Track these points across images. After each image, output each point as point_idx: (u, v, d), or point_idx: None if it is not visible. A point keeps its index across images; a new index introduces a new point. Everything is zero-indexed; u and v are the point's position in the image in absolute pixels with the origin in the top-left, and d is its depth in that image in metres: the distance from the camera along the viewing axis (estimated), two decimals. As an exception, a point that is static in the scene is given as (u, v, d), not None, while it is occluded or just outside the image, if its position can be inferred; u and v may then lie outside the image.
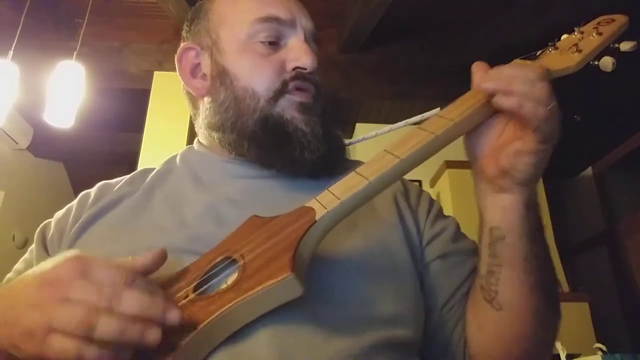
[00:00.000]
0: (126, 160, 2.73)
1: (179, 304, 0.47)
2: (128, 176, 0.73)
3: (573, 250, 3.38)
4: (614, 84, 2.61)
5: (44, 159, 3.45)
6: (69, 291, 0.41)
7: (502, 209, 0.53)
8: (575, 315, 2.50)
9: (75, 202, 0.70)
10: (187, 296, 0.48)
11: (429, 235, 0.65)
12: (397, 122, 0.76)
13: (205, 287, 0.49)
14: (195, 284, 0.50)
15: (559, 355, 1.74)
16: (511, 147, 0.51)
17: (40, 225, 0.69)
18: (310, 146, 0.63)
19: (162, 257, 0.49)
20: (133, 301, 0.41)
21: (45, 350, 0.41)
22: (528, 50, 0.59)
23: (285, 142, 0.63)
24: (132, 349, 0.42)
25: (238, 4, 0.70)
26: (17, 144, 3.08)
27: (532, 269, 0.53)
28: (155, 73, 2.53)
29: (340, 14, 2.51)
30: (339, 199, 0.51)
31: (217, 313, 0.45)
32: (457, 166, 2.61)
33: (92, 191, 0.71)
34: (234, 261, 0.50)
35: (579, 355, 1.93)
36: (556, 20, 2.26)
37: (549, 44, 0.60)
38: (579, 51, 0.56)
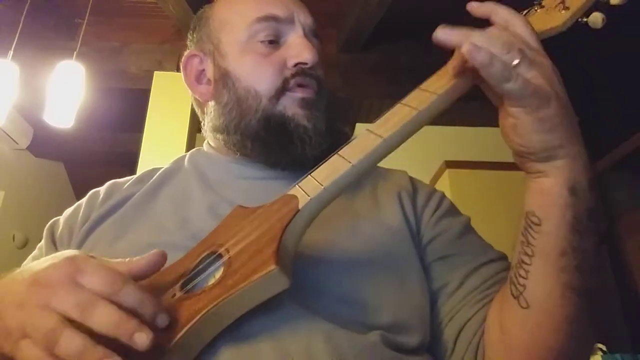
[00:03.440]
0: (126, 160, 2.73)
1: (167, 303, 0.47)
2: (137, 175, 0.74)
3: (573, 250, 3.37)
4: (614, 83, 2.61)
5: (44, 159, 3.45)
6: (51, 297, 0.41)
7: (539, 194, 0.47)
8: (575, 315, 2.49)
9: (84, 200, 0.71)
10: (174, 294, 0.48)
11: (430, 235, 0.63)
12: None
13: (192, 284, 0.49)
14: (182, 281, 0.49)
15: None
16: (506, 125, 0.46)
17: (49, 223, 0.70)
18: (311, 142, 0.63)
19: (161, 260, 0.48)
20: (103, 318, 0.40)
21: (15, 353, 0.41)
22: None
23: (286, 140, 0.63)
24: None
25: (236, 6, 0.71)
26: (17, 144, 3.08)
27: (571, 268, 0.45)
28: (155, 73, 2.52)
29: (340, 14, 2.51)
30: (322, 185, 0.49)
31: (204, 311, 0.44)
32: (457, 166, 2.61)
33: (102, 190, 0.72)
34: (220, 255, 0.50)
35: (579, 355, 1.93)
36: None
37: (534, 2, 0.55)
38: (566, 8, 0.51)
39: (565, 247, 0.45)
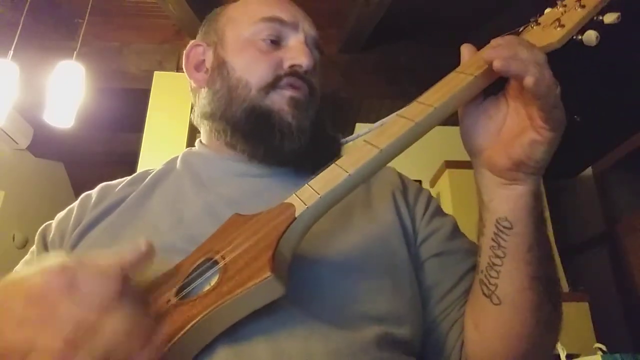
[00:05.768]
0: (126, 160, 2.73)
1: (162, 309, 0.47)
2: (129, 177, 0.73)
3: (573, 250, 3.37)
4: (614, 83, 2.61)
5: (44, 159, 3.45)
6: (51, 316, 0.40)
7: (512, 200, 0.52)
8: (575, 315, 2.50)
9: (76, 203, 0.70)
10: (169, 300, 0.47)
11: (425, 233, 0.65)
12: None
13: (187, 290, 0.49)
14: (177, 287, 0.49)
15: (559, 355, 1.74)
16: (525, 138, 0.50)
17: (41, 227, 0.69)
18: (291, 136, 0.64)
19: (148, 249, 0.47)
20: (104, 340, 0.40)
21: None
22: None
23: (265, 131, 0.64)
24: None
25: (245, 6, 0.74)
26: (17, 144, 3.08)
27: (535, 260, 0.52)
28: (155, 73, 2.52)
29: (340, 14, 2.51)
30: (318, 194, 0.50)
31: (198, 318, 0.44)
32: (457, 166, 2.61)
33: (94, 193, 0.71)
34: (216, 262, 0.50)
35: (578, 356, 1.93)
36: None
37: (531, 19, 0.58)
38: (562, 26, 0.54)
39: (532, 243, 0.52)
